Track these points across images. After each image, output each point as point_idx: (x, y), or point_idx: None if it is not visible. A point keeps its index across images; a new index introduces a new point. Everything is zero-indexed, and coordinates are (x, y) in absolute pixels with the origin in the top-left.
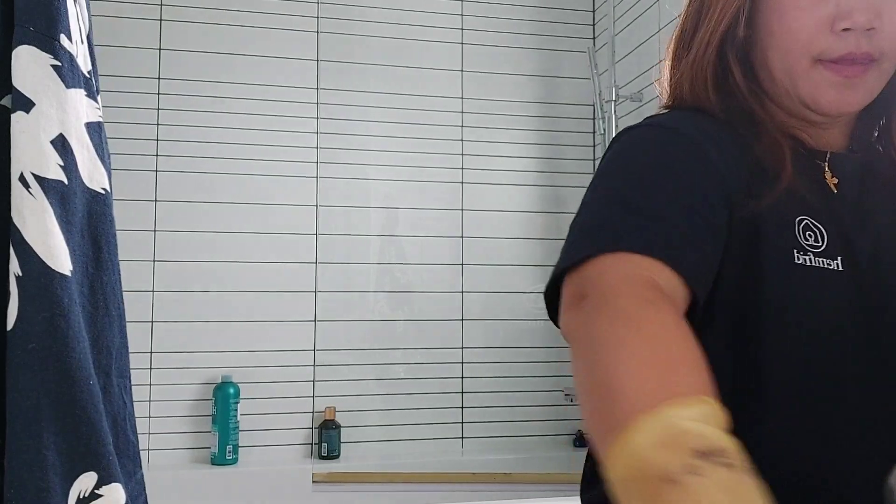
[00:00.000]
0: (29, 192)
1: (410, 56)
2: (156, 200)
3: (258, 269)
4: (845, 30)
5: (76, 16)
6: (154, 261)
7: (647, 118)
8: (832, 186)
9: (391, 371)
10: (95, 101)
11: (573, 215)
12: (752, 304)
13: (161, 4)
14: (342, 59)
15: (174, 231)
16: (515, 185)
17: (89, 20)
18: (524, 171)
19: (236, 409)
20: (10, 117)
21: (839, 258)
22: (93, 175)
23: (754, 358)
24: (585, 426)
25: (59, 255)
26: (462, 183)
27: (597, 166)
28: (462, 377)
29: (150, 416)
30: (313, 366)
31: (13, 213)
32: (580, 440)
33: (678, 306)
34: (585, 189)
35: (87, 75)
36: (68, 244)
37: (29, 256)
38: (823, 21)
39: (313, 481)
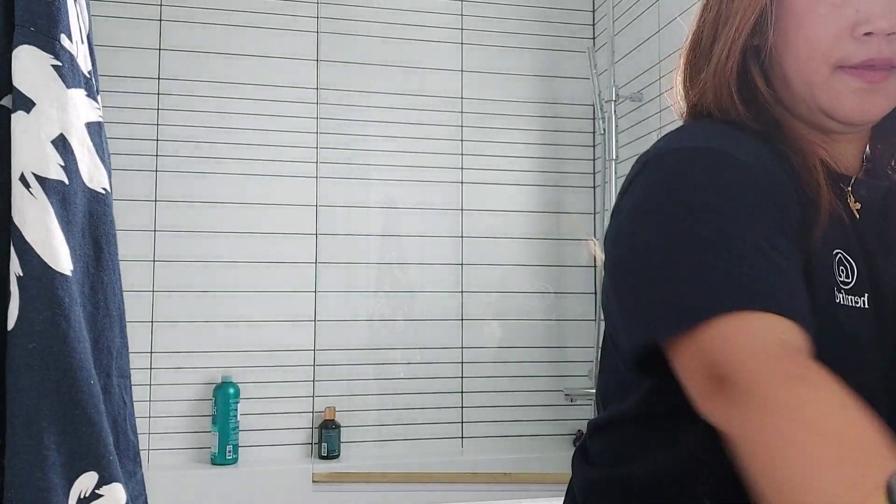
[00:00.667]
0: (29, 192)
1: (410, 56)
2: (156, 200)
3: (258, 268)
4: (867, 34)
5: (76, 16)
6: (154, 261)
7: (681, 134)
8: (855, 213)
9: (391, 371)
10: (96, 101)
11: (573, 215)
12: None
13: (161, 4)
14: (342, 59)
15: (174, 231)
16: (515, 184)
17: (89, 20)
18: (524, 171)
19: (236, 409)
20: (10, 117)
21: (866, 295)
22: (93, 175)
23: None
24: None
25: (59, 256)
26: (462, 183)
27: (637, 184)
28: (462, 377)
29: (150, 416)
30: (313, 366)
31: (14, 214)
32: (580, 440)
33: (815, 363)
34: (595, 186)
35: (88, 75)
36: (69, 244)
37: (30, 256)
38: (843, 27)
39: (313, 481)
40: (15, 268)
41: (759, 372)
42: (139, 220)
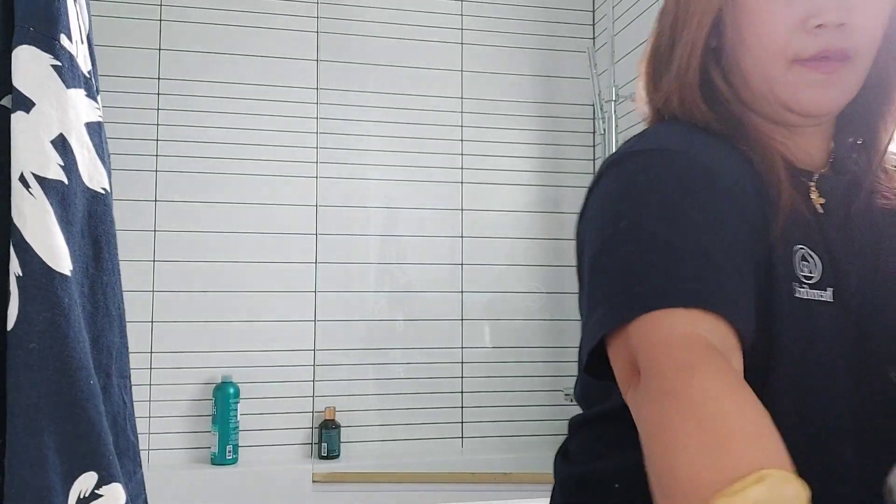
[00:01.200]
0: (29, 192)
1: (410, 56)
2: (156, 200)
3: (258, 268)
4: (818, 27)
5: (76, 15)
6: (154, 261)
7: (643, 138)
8: (818, 207)
9: (391, 371)
10: (95, 101)
11: (573, 215)
12: (761, 344)
13: (161, 4)
14: (342, 60)
15: (174, 231)
16: (515, 185)
17: (89, 20)
18: (524, 171)
19: (236, 409)
20: (10, 117)
21: (830, 289)
22: (93, 175)
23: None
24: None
25: (59, 255)
26: (462, 183)
27: (597, 189)
28: (462, 377)
29: (150, 416)
30: (313, 366)
31: (13, 213)
32: None
33: (727, 359)
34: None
35: (87, 75)
36: (68, 244)
37: (29, 256)
38: (795, 21)
39: (313, 481)
40: (15, 268)
41: (661, 362)
42: (139, 220)
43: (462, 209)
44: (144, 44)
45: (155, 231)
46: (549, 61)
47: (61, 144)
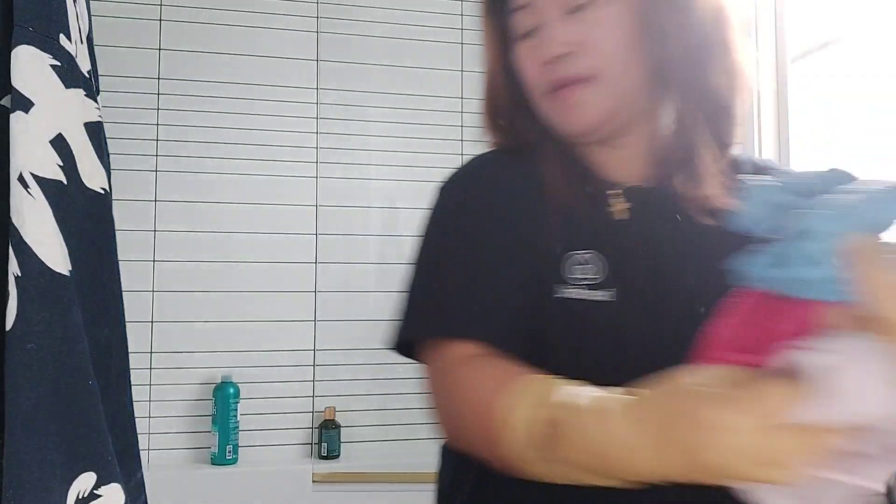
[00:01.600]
0: (28, 192)
1: (410, 56)
2: (156, 200)
3: (258, 269)
4: (548, 63)
5: (76, 15)
6: (154, 261)
7: (457, 174)
8: (620, 214)
9: (391, 371)
10: (95, 101)
11: None
12: (532, 341)
13: (161, 4)
14: (342, 59)
15: (174, 231)
16: None
17: (89, 20)
18: None
19: (236, 409)
20: (9, 117)
21: (614, 289)
22: (93, 175)
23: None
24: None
25: (58, 256)
26: None
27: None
28: None
29: (150, 416)
30: (313, 366)
31: (12, 214)
32: None
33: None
34: None
35: (87, 75)
36: (67, 244)
37: (28, 257)
38: (537, 61)
39: (313, 481)
40: (13, 268)
41: (441, 369)
42: (139, 220)
43: None
44: (144, 44)
45: (155, 231)
46: None
47: (60, 144)
